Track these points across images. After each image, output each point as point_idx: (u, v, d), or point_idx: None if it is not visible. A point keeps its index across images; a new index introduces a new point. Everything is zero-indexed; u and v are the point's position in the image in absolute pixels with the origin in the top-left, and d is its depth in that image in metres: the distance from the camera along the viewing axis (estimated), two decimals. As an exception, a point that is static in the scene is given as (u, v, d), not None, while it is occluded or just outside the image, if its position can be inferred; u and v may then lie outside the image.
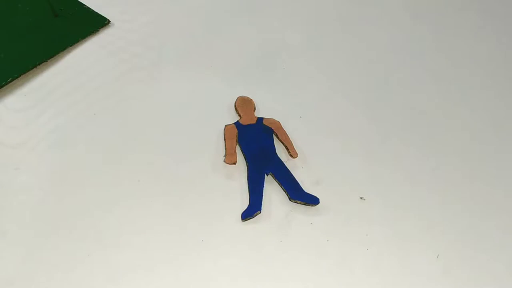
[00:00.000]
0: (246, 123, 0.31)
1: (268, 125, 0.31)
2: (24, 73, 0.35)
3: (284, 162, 0.30)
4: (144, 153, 0.30)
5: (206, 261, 0.26)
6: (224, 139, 0.31)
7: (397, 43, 0.38)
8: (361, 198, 0.29)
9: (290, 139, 0.31)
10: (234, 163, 0.30)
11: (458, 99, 0.33)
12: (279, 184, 0.29)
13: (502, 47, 0.37)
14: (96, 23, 0.38)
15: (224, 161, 0.30)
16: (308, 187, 0.29)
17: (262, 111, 0.33)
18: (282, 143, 0.31)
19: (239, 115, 0.32)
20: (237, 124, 0.31)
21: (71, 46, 0.37)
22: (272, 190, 0.29)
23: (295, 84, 0.35)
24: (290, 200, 0.28)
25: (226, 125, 0.31)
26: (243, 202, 0.28)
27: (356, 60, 0.36)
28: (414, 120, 0.32)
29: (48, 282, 0.24)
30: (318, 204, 0.28)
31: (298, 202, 0.28)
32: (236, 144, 0.30)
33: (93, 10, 0.39)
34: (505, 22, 0.38)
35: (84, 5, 0.39)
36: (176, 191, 0.28)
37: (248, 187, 0.29)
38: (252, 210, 0.27)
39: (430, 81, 0.35)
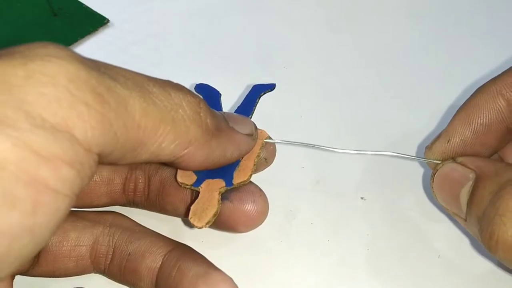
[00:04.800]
0: None
1: None
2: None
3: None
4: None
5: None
6: None
7: (399, 42, 0.37)
8: (361, 198, 0.29)
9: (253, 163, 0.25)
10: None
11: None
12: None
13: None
14: (95, 22, 0.38)
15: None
16: (308, 187, 0.29)
17: (263, 111, 0.32)
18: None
19: None
20: None
21: (70, 45, 0.36)
22: (272, 189, 0.29)
23: (295, 84, 0.35)
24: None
25: None
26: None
27: (357, 58, 0.36)
28: (414, 120, 0.32)
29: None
30: (319, 204, 0.28)
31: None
32: None
33: (92, 10, 0.39)
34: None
35: (83, 4, 0.39)
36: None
37: None
38: None
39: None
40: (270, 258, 0.26)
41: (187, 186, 0.24)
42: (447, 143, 0.23)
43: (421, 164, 0.30)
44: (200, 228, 0.22)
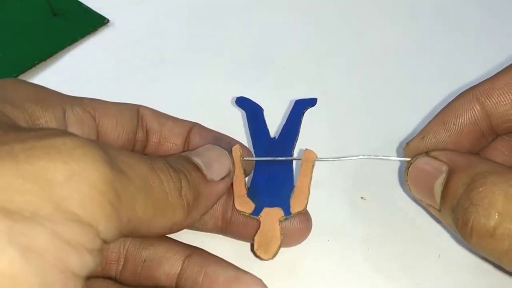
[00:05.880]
0: None
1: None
2: (22, 72, 0.35)
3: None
4: (143, 153, 0.29)
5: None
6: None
7: (400, 42, 0.37)
8: (361, 198, 0.29)
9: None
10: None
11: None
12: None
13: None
14: (95, 22, 0.38)
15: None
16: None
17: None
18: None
19: None
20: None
21: (70, 45, 0.36)
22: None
23: (295, 84, 0.35)
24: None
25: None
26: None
27: (357, 59, 0.36)
28: (414, 120, 0.32)
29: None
30: (319, 204, 0.28)
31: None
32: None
33: (92, 9, 0.39)
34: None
35: (83, 4, 0.39)
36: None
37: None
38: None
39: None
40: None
41: (246, 214, 0.25)
42: (422, 140, 0.25)
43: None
44: (267, 260, 0.24)
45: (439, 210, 0.23)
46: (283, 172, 0.26)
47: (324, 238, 0.27)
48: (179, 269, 0.23)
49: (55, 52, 0.36)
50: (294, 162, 0.27)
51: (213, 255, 0.24)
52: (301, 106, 0.28)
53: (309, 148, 0.26)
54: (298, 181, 0.25)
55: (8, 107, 0.20)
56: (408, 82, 0.34)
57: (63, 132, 0.17)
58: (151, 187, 0.19)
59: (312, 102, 0.28)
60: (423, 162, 0.24)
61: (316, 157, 0.25)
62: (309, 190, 0.25)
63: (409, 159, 0.25)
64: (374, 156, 0.26)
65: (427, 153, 0.24)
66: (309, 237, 0.27)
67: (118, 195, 0.17)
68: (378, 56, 0.36)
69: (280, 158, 0.26)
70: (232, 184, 0.25)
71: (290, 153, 0.27)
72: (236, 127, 0.32)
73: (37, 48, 0.36)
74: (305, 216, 0.25)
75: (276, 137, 0.28)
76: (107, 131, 0.24)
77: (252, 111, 0.29)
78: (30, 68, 0.35)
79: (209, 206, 0.23)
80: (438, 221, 0.28)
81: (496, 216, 0.19)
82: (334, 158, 0.26)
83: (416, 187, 0.24)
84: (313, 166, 0.25)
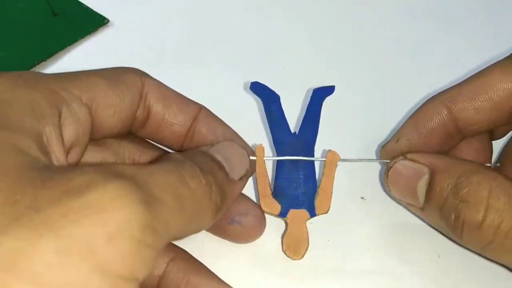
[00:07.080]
0: None
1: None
2: (23, 72, 0.35)
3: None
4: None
5: (205, 262, 0.26)
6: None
7: (401, 42, 0.37)
8: (361, 198, 0.29)
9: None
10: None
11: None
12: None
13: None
14: (95, 22, 0.38)
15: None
16: (308, 187, 0.29)
17: (263, 111, 0.33)
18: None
19: None
20: None
21: (70, 45, 0.36)
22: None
23: (295, 84, 0.35)
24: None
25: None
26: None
27: (357, 58, 0.36)
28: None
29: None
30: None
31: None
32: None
33: (92, 10, 0.39)
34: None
35: (83, 4, 0.39)
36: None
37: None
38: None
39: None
40: (269, 258, 0.26)
41: (273, 215, 0.26)
42: (396, 143, 0.26)
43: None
44: (297, 260, 0.25)
45: (422, 209, 0.25)
46: (306, 171, 0.26)
47: (324, 238, 0.27)
48: (161, 272, 0.23)
49: (55, 52, 0.36)
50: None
51: (196, 260, 0.24)
52: (319, 96, 0.28)
53: (332, 149, 0.26)
54: (322, 182, 0.26)
55: (21, 137, 0.18)
56: (408, 82, 0.35)
57: (96, 182, 0.16)
58: (184, 201, 0.18)
59: (330, 90, 0.28)
60: (402, 165, 0.25)
61: (340, 158, 0.26)
62: (331, 193, 0.26)
63: (388, 161, 0.26)
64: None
65: (404, 156, 0.25)
66: (309, 236, 0.27)
67: (155, 231, 0.16)
68: (379, 56, 0.36)
69: (303, 158, 0.26)
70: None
71: (312, 150, 0.27)
72: (237, 127, 0.32)
73: (37, 48, 0.36)
74: (258, 222, 0.26)
75: (297, 132, 0.28)
76: (103, 122, 0.23)
77: (268, 99, 0.28)
78: (30, 68, 0.35)
79: (230, 205, 0.23)
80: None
81: (483, 210, 0.21)
82: (357, 159, 0.28)
83: (398, 188, 0.26)
84: (336, 167, 0.26)
